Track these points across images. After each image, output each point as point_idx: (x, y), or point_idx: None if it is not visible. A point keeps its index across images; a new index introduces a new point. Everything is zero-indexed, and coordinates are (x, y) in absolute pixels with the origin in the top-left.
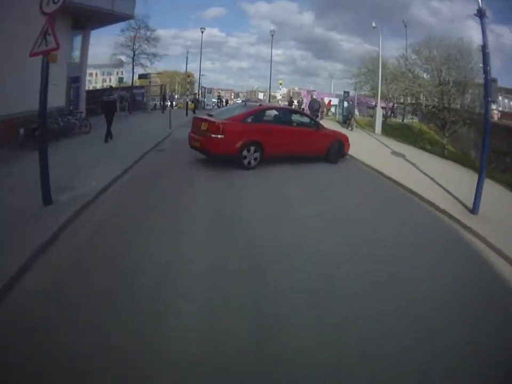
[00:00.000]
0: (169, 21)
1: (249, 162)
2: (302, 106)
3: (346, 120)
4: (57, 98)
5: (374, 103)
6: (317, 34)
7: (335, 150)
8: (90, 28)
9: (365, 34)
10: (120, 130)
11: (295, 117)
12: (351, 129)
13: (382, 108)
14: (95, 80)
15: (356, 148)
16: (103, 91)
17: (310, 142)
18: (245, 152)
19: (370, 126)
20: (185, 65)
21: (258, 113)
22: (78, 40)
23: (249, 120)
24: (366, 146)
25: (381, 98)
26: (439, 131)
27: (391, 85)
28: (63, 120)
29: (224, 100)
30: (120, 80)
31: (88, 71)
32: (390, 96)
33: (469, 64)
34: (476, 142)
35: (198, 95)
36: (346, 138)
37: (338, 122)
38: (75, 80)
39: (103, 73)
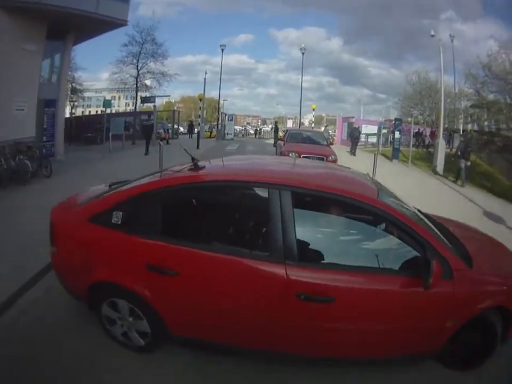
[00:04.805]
0: (199, 48)
1: None
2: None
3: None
4: (23, 127)
5: (417, 130)
6: (345, 60)
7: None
8: (74, 40)
9: (393, 59)
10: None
11: None
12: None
13: (419, 134)
14: (117, 104)
15: None
16: (100, 117)
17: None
18: None
19: (419, 159)
20: (214, 91)
21: None
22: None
23: None
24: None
25: (423, 124)
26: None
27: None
28: (15, 160)
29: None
30: (107, 104)
31: (111, 94)
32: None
33: None
34: None
35: (217, 122)
36: None
37: (384, 156)
38: (50, 104)
39: (126, 97)
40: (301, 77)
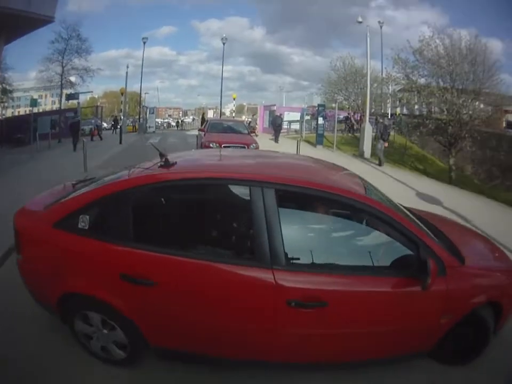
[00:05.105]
0: (122, 42)
1: None
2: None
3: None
4: None
5: (346, 115)
6: (267, 49)
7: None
8: (5, 40)
9: (317, 46)
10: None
11: None
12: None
13: (345, 118)
14: (44, 102)
15: None
16: (28, 117)
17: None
18: None
19: (344, 144)
20: (136, 85)
21: None
22: None
23: None
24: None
25: (349, 109)
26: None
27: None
28: None
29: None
30: (33, 103)
31: (38, 93)
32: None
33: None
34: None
35: (139, 115)
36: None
37: (308, 142)
38: None
39: (52, 95)
40: (221, 67)
